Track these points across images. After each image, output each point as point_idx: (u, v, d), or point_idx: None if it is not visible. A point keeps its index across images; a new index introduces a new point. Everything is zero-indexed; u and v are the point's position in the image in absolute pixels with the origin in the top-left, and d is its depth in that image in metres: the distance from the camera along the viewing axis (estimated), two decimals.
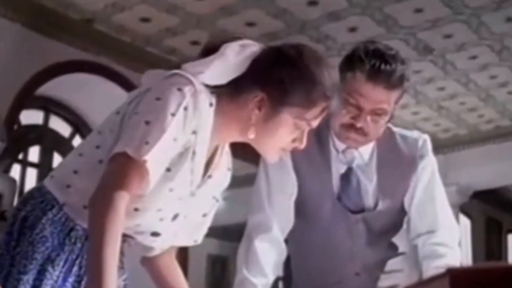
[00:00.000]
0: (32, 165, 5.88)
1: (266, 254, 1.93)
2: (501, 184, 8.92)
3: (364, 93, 1.80)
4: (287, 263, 2.07)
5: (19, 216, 1.46)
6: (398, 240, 2.02)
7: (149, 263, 1.65)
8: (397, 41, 5.50)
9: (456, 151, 8.08)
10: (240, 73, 1.47)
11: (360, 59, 1.81)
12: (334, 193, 1.94)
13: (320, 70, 1.48)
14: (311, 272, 2.02)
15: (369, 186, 1.95)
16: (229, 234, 7.77)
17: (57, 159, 5.96)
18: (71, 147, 5.91)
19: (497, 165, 7.78)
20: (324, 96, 1.48)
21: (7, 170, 5.50)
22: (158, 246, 1.58)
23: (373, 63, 1.79)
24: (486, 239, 10.81)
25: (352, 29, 5.48)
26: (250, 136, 1.48)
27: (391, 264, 2.00)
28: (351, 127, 1.85)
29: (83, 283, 1.44)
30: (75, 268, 1.45)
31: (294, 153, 1.67)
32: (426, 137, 2.02)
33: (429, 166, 1.99)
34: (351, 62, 1.84)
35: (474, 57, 6.11)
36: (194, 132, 1.42)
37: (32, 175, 5.79)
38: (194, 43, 5.66)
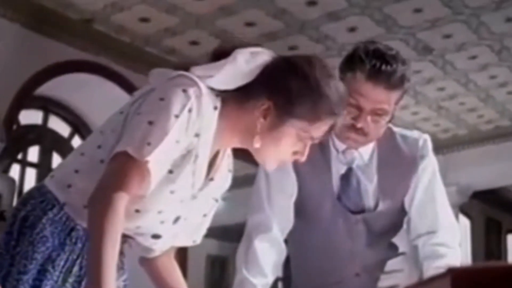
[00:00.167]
0: (32, 165, 5.88)
1: (266, 254, 1.93)
2: (500, 184, 8.93)
3: (364, 93, 1.80)
4: (287, 264, 2.07)
5: (19, 216, 1.45)
6: (398, 240, 2.02)
7: (148, 263, 1.64)
8: (397, 41, 5.49)
9: (455, 151, 8.09)
10: (249, 80, 1.46)
11: (361, 59, 1.80)
12: (334, 193, 1.94)
13: (330, 85, 1.46)
14: (311, 272, 2.02)
15: (369, 186, 1.95)
16: (229, 235, 7.77)
17: (56, 159, 5.95)
18: (70, 147, 5.91)
19: (497, 165, 7.79)
20: (330, 111, 1.46)
21: (6, 170, 5.50)
22: (159, 248, 1.58)
23: (373, 63, 1.78)
24: (486, 239, 10.82)
25: (352, 29, 5.48)
26: (256, 145, 1.46)
27: (391, 264, 2.00)
28: (351, 127, 1.84)
29: (83, 283, 1.44)
30: (76, 269, 1.45)
31: None
32: (427, 137, 2.01)
33: (429, 166, 1.99)
34: (351, 62, 1.83)
35: (473, 57, 6.11)
36: (197, 135, 1.41)
37: (31, 175, 5.78)
38: (194, 43, 5.67)
